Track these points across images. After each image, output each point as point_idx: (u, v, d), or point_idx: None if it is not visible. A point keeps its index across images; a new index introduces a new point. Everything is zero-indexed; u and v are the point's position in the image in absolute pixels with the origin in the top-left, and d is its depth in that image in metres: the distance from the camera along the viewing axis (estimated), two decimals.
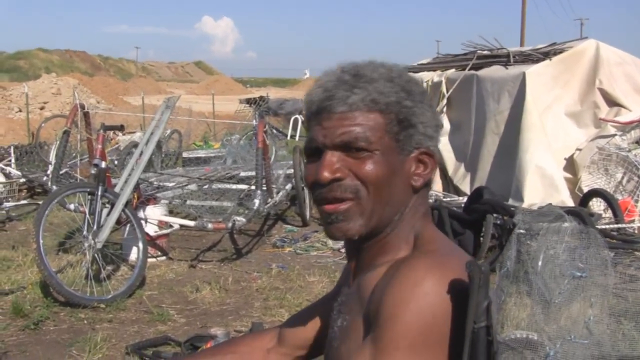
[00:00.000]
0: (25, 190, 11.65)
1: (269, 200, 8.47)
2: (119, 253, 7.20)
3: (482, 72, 10.20)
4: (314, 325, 1.80)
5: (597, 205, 8.15)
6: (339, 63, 1.51)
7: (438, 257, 1.37)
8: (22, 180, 11.57)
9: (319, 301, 1.91)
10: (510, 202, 8.46)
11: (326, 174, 1.41)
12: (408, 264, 1.35)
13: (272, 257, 7.82)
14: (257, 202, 7.66)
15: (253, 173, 8.99)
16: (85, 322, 5.71)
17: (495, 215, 1.79)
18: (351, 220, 1.43)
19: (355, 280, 1.54)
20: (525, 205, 8.10)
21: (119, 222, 6.71)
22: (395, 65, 1.50)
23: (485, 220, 1.81)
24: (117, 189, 6.84)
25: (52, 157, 11.04)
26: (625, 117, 9.10)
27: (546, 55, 9.71)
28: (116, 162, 12.01)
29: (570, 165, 9.09)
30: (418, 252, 1.41)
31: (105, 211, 6.51)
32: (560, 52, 9.66)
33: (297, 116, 17.03)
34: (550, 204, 6.58)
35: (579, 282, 1.35)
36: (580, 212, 6.81)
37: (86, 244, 6.26)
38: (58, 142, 8.96)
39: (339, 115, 1.42)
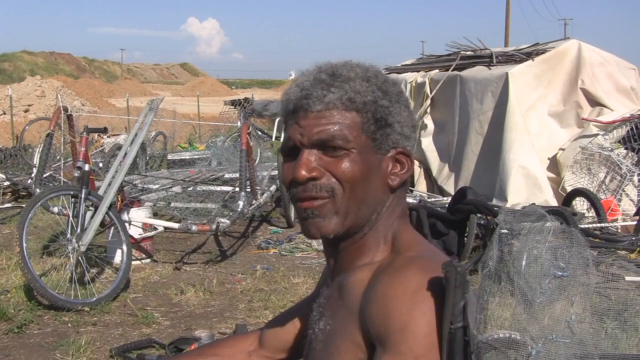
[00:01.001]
0: (9, 194, 11.60)
1: (254, 201, 8.46)
2: (103, 256, 7.17)
3: (466, 73, 10.24)
4: (294, 327, 1.80)
5: (580, 204, 8.20)
6: (315, 63, 1.51)
7: (423, 261, 1.37)
8: (6, 183, 11.52)
9: (299, 303, 1.91)
10: (495, 202, 8.50)
11: (303, 172, 1.41)
12: (398, 274, 1.35)
13: (257, 259, 7.82)
14: (241, 203, 7.66)
15: (237, 175, 8.99)
16: (70, 325, 5.69)
17: (479, 215, 1.79)
18: (326, 218, 1.43)
19: (335, 280, 1.54)
20: (509, 205, 8.14)
21: (103, 224, 6.68)
22: (371, 66, 1.50)
23: (469, 221, 1.81)
24: (101, 192, 6.81)
25: (36, 160, 10.99)
26: (607, 116, 9.16)
27: (529, 55, 9.76)
28: (100, 165, 11.96)
29: (554, 164, 9.14)
30: (403, 259, 1.40)
31: (89, 214, 6.48)
32: (543, 53, 9.72)
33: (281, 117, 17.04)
34: (534, 203, 6.61)
35: (561, 282, 1.35)
36: (563, 211, 6.86)
37: (70, 247, 6.23)
38: (42, 145, 8.93)
39: (315, 113, 1.42)
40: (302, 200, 1.44)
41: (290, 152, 1.47)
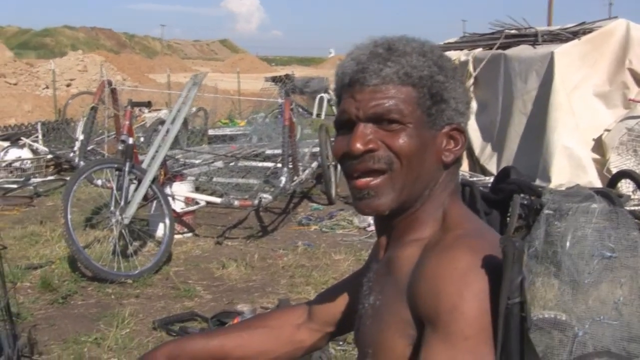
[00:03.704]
0: (52, 167, 11.77)
1: (295, 178, 8.49)
2: (145, 229, 7.25)
3: (510, 52, 10.11)
4: (344, 301, 1.80)
5: (625, 187, 8.08)
6: (371, 37, 1.50)
7: (473, 239, 1.37)
8: (50, 156, 11.68)
9: (348, 278, 1.91)
10: (538, 182, 8.41)
11: (359, 145, 1.40)
12: (447, 253, 1.35)
13: (298, 235, 7.84)
14: (283, 179, 7.68)
15: (279, 151, 9.00)
16: (113, 297, 5.78)
17: (522, 195, 1.78)
18: (382, 196, 1.43)
19: (385, 255, 1.54)
20: (552, 186, 8.05)
21: (145, 198, 6.76)
22: (427, 41, 1.50)
23: (512, 200, 1.80)
24: (144, 166, 6.88)
25: (78, 134, 11.11)
26: None
27: (575, 34, 9.61)
28: (142, 139, 12.07)
29: (599, 146, 9.01)
30: (452, 237, 1.40)
31: (132, 187, 6.55)
32: (590, 32, 9.55)
33: (322, 95, 17.00)
34: (578, 184, 6.55)
35: (608, 263, 1.34)
36: (608, 192, 6.77)
37: (113, 220, 6.31)
38: (85, 119, 9.02)
39: (371, 87, 1.41)
40: (359, 173, 1.43)
41: (344, 125, 1.47)
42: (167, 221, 6.57)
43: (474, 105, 10.43)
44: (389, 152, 1.41)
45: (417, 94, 1.42)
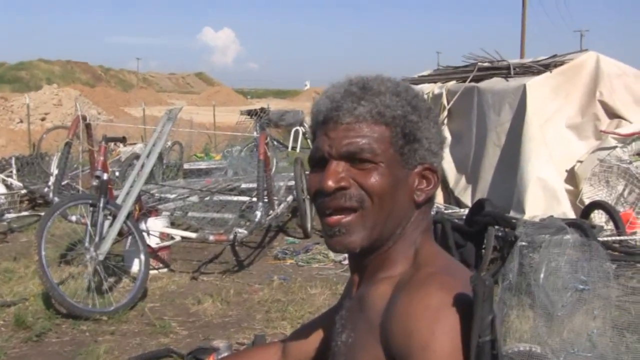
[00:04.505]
0: (26, 202, 11.64)
1: (271, 212, 8.47)
2: (120, 265, 7.19)
3: (483, 84, 10.22)
4: (318, 339, 1.81)
5: (598, 217, 8.15)
6: (346, 75, 1.53)
7: (444, 276, 1.38)
8: (24, 191, 11.56)
9: (322, 315, 1.92)
10: (512, 214, 8.45)
11: (330, 183, 1.42)
12: (419, 291, 1.36)
13: (274, 269, 7.81)
14: (258, 214, 7.66)
15: (254, 185, 8.99)
16: (88, 334, 5.71)
17: (496, 227, 1.78)
18: (353, 234, 1.44)
19: (357, 292, 1.55)
20: (526, 217, 8.09)
21: (120, 233, 6.71)
22: (402, 81, 1.53)
23: (487, 232, 1.81)
24: (119, 201, 6.84)
25: (53, 169, 11.03)
26: (625, 129, 9.12)
27: (547, 67, 9.73)
28: (117, 174, 12.00)
29: (572, 177, 9.09)
30: (424, 275, 1.40)
31: (107, 223, 6.50)
32: (561, 64, 9.68)
33: (298, 128, 17.08)
34: (552, 216, 6.59)
35: (582, 295, 1.36)
36: (582, 224, 6.82)
37: (88, 256, 6.25)
38: (60, 154, 8.98)
39: (345, 126, 1.44)
40: (330, 211, 1.45)
41: (318, 162, 1.49)
42: (142, 257, 6.53)
43: (448, 137, 10.51)
44: (361, 190, 1.43)
45: (390, 133, 1.44)
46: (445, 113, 10.70)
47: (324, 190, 1.43)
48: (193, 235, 7.54)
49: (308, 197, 9.15)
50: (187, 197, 10.00)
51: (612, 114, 9.35)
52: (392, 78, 1.51)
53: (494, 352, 1.25)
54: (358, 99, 1.44)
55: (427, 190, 1.49)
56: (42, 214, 7.32)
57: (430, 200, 1.52)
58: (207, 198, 9.94)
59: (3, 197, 11.00)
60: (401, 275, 1.46)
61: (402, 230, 1.48)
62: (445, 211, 9.29)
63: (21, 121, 26.06)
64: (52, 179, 10.19)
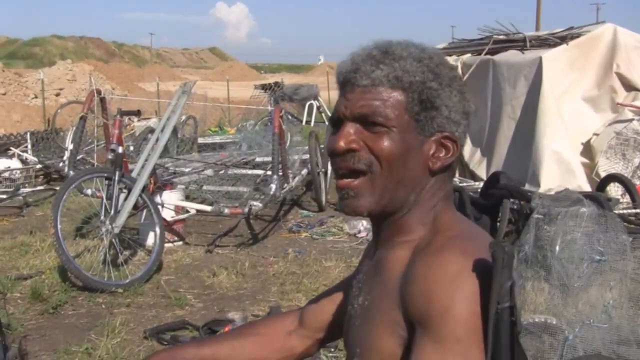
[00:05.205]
0: (42, 177, 11.73)
1: (285, 185, 8.48)
2: (136, 238, 7.24)
3: (499, 57, 10.15)
4: (334, 306, 1.81)
5: (614, 190, 8.11)
6: (374, 40, 1.51)
7: (464, 241, 1.38)
8: (39, 166, 11.65)
9: (338, 284, 1.91)
10: (527, 187, 8.43)
11: (341, 144, 1.43)
12: (438, 256, 1.35)
13: (289, 242, 7.84)
14: (273, 187, 7.66)
15: (269, 158, 9.00)
16: (103, 306, 5.76)
17: (511, 200, 1.78)
18: (362, 197, 1.44)
19: (375, 255, 1.56)
20: (541, 190, 8.07)
21: (136, 207, 6.73)
22: (430, 48, 1.50)
23: (501, 205, 1.80)
24: (133, 174, 6.85)
25: (68, 143, 11.08)
26: None
27: (563, 39, 9.63)
28: (132, 148, 12.05)
29: (587, 150, 9.03)
30: (443, 239, 1.40)
31: (122, 196, 6.53)
32: (577, 37, 9.58)
33: (312, 102, 17.02)
34: (567, 188, 6.57)
35: (597, 267, 1.34)
36: (598, 196, 6.79)
37: (103, 229, 6.29)
38: (75, 128, 8.98)
39: (361, 88, 1.43)
40: (342, 172, 1.46)
41: (335, 123, 1.49)
42: (158, 230, 6.56)
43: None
44: (370, 154, 1.43)
45: (406, 99, 1.42)
46: None
47: (335, 150, 1.44)
48: (208, 208, 7.55)
49: (322, 170, 9.16)
50: (202, 170, 10.02)
51: (629, 87, 9.26)
52: (419, 44, 1.49)
53: (513, 318, 1.24)
54: (377, 62, 1.43)
55: (443, 158, 1.47)
56: (58, 188, 7.35)
57: (448, 168, 1.50)
58: (222, 172, 9.95)
59: (18, 172, 11.07)
60: (420, 239, 1.45)
61: (417, 198, 1.47)
62: (460, 184, 9.27)
63: (36, 97, 26.11)
64: (67, 154, 10.25)
